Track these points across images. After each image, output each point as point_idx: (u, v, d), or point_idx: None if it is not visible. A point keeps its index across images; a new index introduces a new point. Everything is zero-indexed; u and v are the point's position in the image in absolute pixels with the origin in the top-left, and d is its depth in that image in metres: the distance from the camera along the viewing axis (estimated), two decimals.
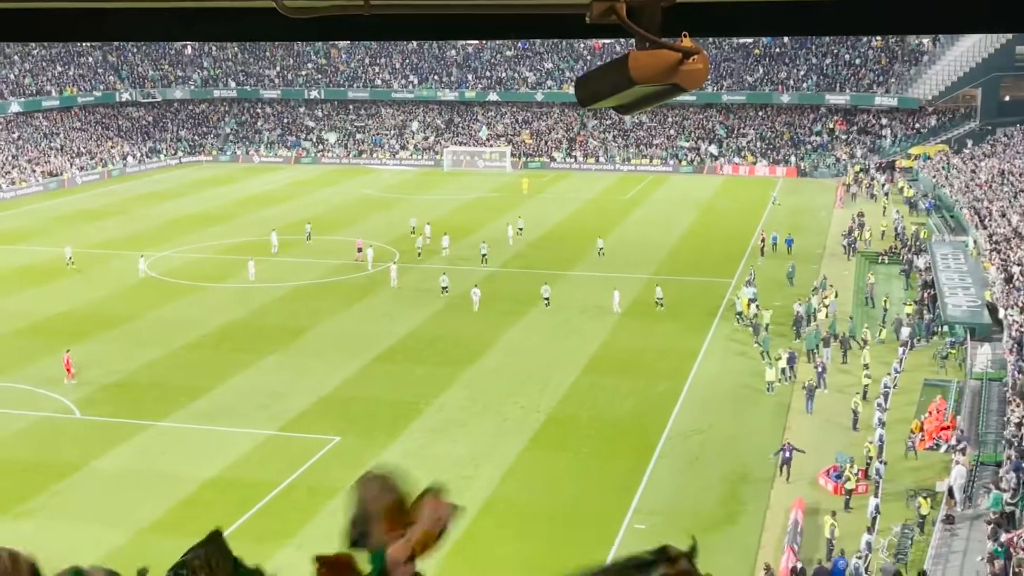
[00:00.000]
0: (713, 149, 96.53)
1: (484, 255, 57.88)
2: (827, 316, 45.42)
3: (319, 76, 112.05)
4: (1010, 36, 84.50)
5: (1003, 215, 57.05)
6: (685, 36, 3.34)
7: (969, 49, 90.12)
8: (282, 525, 28.66)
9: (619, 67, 3.30)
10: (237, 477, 31.61)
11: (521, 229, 64.35)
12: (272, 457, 33.10)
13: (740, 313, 46.48)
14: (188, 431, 35.07)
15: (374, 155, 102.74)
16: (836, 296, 48.06)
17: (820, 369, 38.77)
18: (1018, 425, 31.38)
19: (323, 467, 32.25)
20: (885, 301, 47.71)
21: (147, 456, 33.15)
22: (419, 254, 59.71)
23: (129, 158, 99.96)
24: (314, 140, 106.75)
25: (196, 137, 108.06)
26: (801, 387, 37.66)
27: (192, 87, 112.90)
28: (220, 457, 32.91)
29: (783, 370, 38.91)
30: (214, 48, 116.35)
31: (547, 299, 48.88)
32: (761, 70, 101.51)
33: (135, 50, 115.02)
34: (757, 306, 46.47)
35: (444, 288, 50.91)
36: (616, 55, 3.57)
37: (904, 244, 59.06)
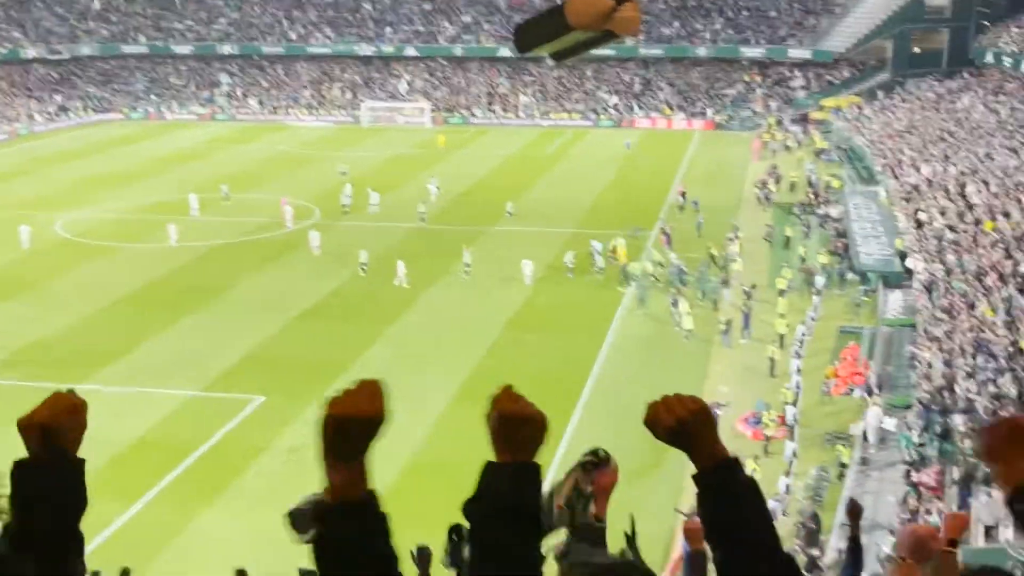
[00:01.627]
0: (632, 104, 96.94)
1: (422, 214, 57.45)
2: (737, 265, 46.27)
3: (232, 30, 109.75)
4: None
5: (913, 165, 58.37)
6: None
7: (880, 2, 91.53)
8: (207, 486, 28.46)
9: (556, 13, 3.45)
10: (160, 438, 31.27)
11: (438, 187, 63.96)
12: (196, 417, 32.79)
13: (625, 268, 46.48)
14: (109, 393, 34.51)
15: (290, 111, 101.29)
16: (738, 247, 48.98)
17: (746, 312, 39.56)
18: (928, 366, 32.37)
19: (248, 427, 32.05)
20: (804, 251, 48.56)
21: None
22: (345, 211, 59.06)
23: (37, 116, 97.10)
24: (228, 96, 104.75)
25: (106, 95, 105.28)
26: (719, 327, 38.72)
27: (100, 43, 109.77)
28: (143, 418, 32.49)
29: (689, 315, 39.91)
30: (122, 1, 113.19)
31: (468, 265, 47.31)
32: (677, 23, 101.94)
33: (39, 4, 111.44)
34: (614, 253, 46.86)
35: (363, 265, 47.82)
36: (538, 8, 3.66)
37: (817, 195, 60.17)
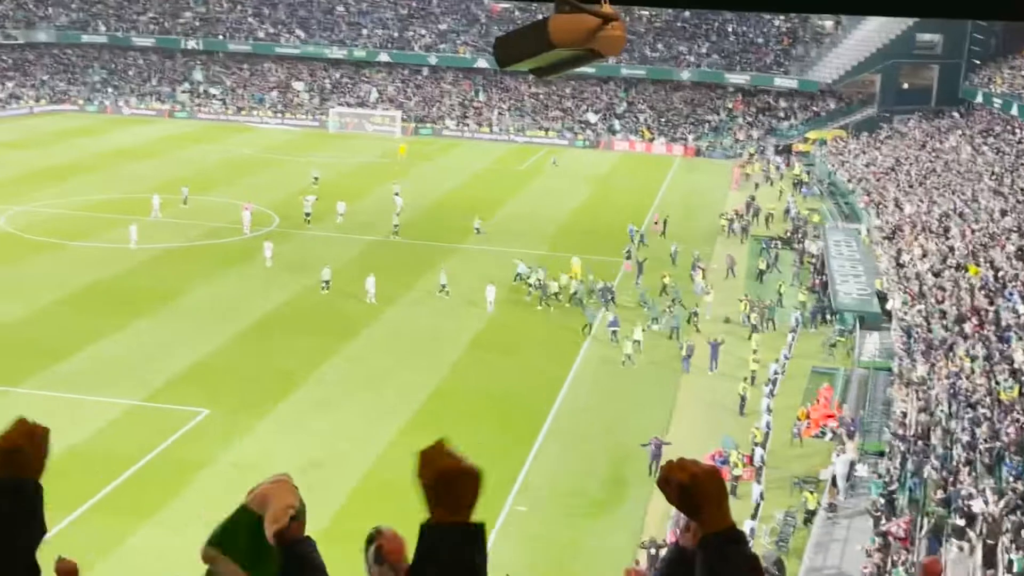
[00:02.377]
0: (613, 124, 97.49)
1: (396, 227, 57.33)
2: (709, 297, 46.65)
3: (198, 25, 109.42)
4: (910, 23, 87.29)
5: (896, 204, 59.03)
6: (605, 2, 3.45)
7: (870, 34, 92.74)
8: (144, 500, 28.16)
9: (539, 29, 3.42)
10: (98, 448, 30.91)
11: (397, 193, 64.01)
12: (136, 428, 32.47)
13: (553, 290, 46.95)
14: (47, 398, 34.10)
15: (255, 113, 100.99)
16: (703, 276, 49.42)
17: (714, 345, 39.78)
18: (902, 414, 32.64)
19: (190, 441, 31.77)
20: (780, 287, 48.91)
21: (1, 424, 32.11)
22: (307, 221, 58.78)
23: None
24: (190, 93, 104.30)
25: (61, 84, 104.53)
26: (680, 352, 39.76)
27: (58, 29, 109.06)
28: (80, 426, 32.07)
29: (636, 342, 40.50)
30: None
31: (444, 286, 46.83)
32: (662, 45, 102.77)
33: None
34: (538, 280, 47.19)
35: (325, 283, 46.61)
36: (513, 21, 3.65)
37: (796, 229, 60.67)
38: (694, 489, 2.62)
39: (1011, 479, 26.06)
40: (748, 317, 44.48)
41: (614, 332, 41.92)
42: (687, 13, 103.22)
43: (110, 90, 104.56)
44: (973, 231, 48.15)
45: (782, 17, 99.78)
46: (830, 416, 34.72)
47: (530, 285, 47.37)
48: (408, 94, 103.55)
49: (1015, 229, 45.94)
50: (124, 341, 39.93)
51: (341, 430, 32.94)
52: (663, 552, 25.42)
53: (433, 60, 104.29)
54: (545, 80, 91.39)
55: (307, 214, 58.81)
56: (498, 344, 41.52)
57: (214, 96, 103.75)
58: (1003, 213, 49.34)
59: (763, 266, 52.80)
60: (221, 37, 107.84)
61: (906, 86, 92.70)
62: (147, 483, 29.23)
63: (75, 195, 63.70)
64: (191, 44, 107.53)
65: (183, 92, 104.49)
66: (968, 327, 36.99)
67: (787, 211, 65.66)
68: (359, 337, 41.68)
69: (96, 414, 33.24)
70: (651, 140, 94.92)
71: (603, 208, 67.35)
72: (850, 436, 32.43)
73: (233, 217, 58.24)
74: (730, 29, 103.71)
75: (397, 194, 63.24)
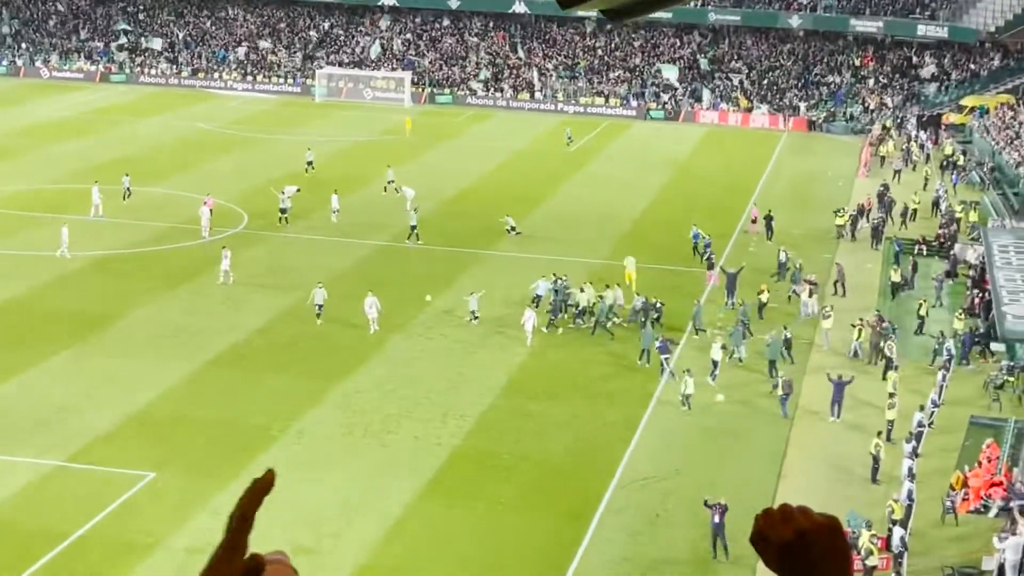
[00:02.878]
0: (698, 88, 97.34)
1: (414, 228, 57.52)
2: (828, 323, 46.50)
3: None
4: None
5: None
6: None
7: None
8: None
9: None
10: (8, 523, 31.10)
11: (391, 181, 64.38)
12: (59, 497, 32.61)
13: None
14: None
15: (216, 75, 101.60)
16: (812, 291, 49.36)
17: (838, 384, 39.59)
18: None
19: (130, 513, 31.89)
20: (920, 307, 48.50)
21: None
22: (284, 220, 59.14)
23: None
24: (130, 51, 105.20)
25: None
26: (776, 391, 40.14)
27: None
28: None
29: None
30: None
31: (474, 313, 46.77)
32: None
33: None
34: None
35: (319, 309, 46.36)
36: None
37: (946, 229, 60.19)
38: (803, 548, 2.56)
39: None
40: (861, 348, 44.54)
41: (666, 360, 42.43)
42: None
43: (24, 46, 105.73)
44: None
45: None
46: (996, 484, 34.37)
47: (569, 306, 47.36)
48: (421, 49, 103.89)
49: None
50: (41, 382, 40.10)
51: (332, 502, 32.94)
52: None
53: (454, 2, 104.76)
54: (617, 25, 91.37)
55: (283, 210, 58.99)
56: (540, 387, 41.39)
57: (161, 53, 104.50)
58: None
59: (897, 278, 52.28)
60: None
61: None
62: (74, 570, 29.34)
63: None
64: None
65: (120, 48, 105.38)
66: None
67: (935, 204, 65.13)
68: (355, 376, 41.67)
69: (7, 478, 33.43)
70: (748, 109, 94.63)
71: (684, 202, 67.08)
72: (1023, 512, 32.11)
73: (188, 215, 58.53)
74: None
75: (391, 182, 63.47)
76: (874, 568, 29.93)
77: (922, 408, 39.08)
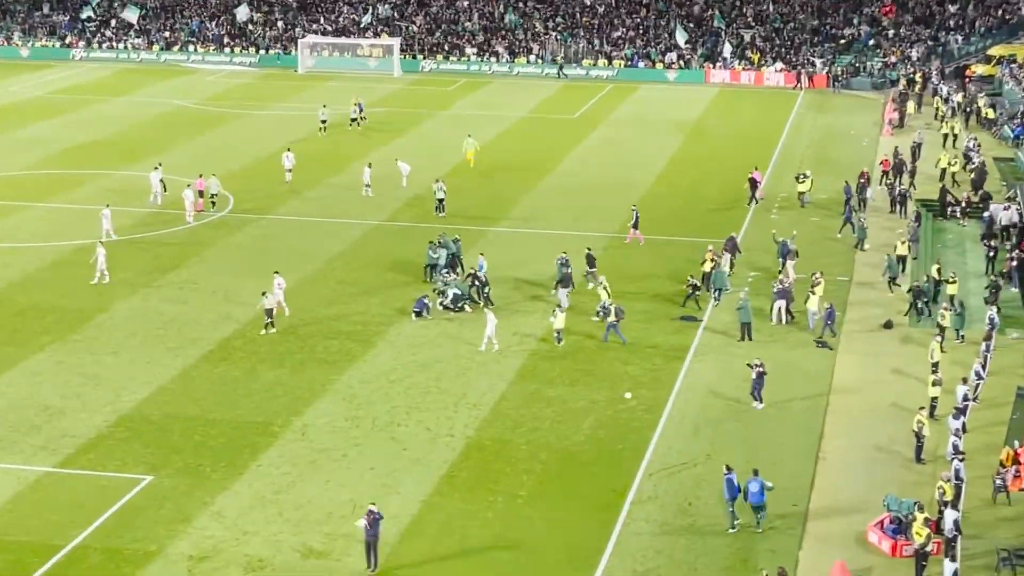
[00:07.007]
0: (710, 45, 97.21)
1: (441, 200, 57.96)
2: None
3: None
4: None
5: None
6: None
7: None
8: None
9: None
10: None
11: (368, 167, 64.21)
12: (49, 505, 32.53)
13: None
14: None
15: (190, 48, 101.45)
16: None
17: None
18: None
19: (126, 520, 31.84)
20: (951, 277, 48.23)
21: None
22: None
23: None
24: (97, 24, 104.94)
25: None
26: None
27: None
28: None
29: None
30: None
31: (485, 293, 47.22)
32: None
33: None
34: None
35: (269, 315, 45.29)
36: None
37: (978, 190, 60.04)
38: None
39: None
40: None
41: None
42: None
43: None
44: None
45: None
46: None
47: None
48: (410, 14, 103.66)
49: None
50: (24, 382, 40.04)
51: (342, 501, 32.89)
52: None
53: None
54: None
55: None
56: (556, 372, 41.35)
57: (131, 26, 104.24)
58: None
59: (904, 251, 51.56)
60: None
61: None
62: None
63: None
64: None
65: (86, 22, 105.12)
66: None
67: (967, 161, 64.88)
68: (358, 365, 41.64)
69: None
70: (761, 67, 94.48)
71: (696, 168, 67.03)
72: None
73: (171, 198, 58.44)
74: None
75: (370, 166, 63.45)
76: (927, 554, 29.81)
77: (965, 381, 38.96)
